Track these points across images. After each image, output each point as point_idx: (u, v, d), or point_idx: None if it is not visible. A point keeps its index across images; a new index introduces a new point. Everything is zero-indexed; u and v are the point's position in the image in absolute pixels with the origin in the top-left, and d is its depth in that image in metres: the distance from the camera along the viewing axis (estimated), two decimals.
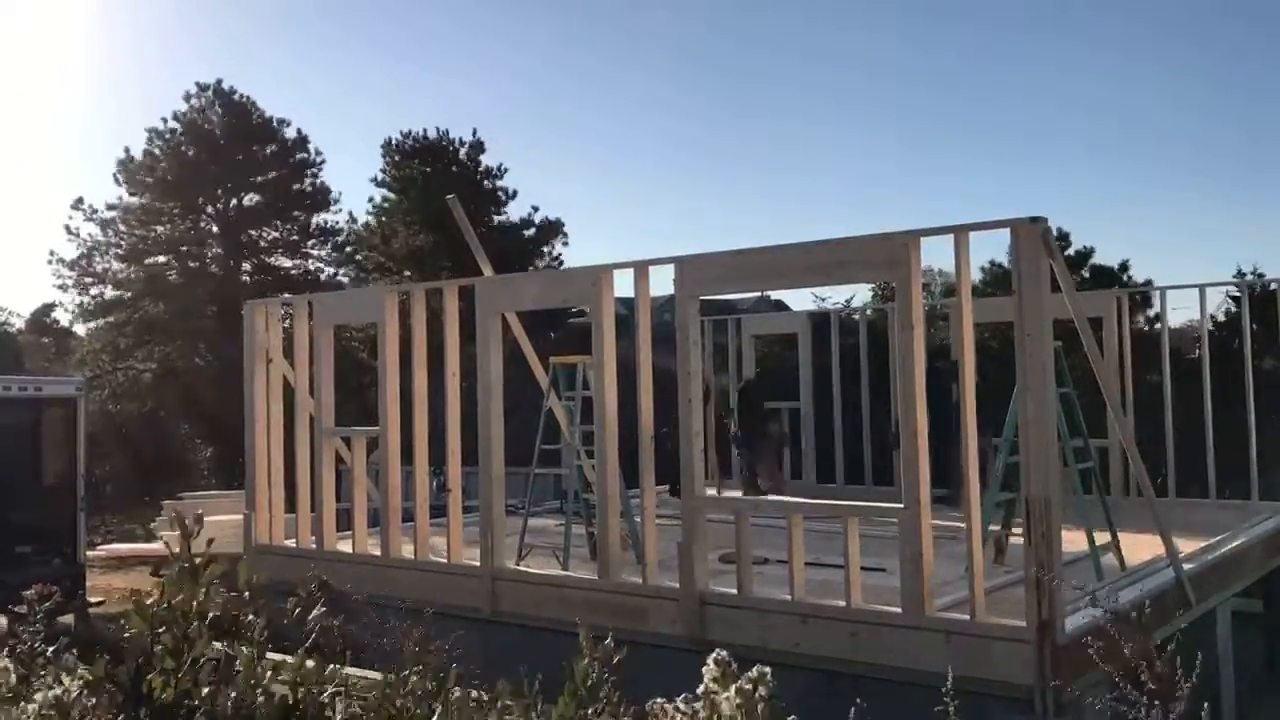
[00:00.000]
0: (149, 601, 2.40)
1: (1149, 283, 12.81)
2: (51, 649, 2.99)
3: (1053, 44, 59.17)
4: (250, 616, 2.75)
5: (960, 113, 66.51)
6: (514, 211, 30.98)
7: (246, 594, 2.79)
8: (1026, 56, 60.20)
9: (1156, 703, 2.20)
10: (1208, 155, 61.39)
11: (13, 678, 2.94)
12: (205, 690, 2.40)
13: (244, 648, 2.61)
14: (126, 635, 2.42)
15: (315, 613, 2.91)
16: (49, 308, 42.26)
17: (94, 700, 2.51)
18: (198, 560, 2.44)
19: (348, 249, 31.80)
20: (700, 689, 2.34)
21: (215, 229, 31.21)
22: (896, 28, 61.95)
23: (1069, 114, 65.76)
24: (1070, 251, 25.59)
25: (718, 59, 67.76)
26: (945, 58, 63.06)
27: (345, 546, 10.16)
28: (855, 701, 3.24)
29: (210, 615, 2.44)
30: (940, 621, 6.61)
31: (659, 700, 2.39)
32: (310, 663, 2.68)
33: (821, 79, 66.62)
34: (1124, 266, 26.02)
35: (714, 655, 2.33)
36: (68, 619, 12.18)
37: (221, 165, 30.33)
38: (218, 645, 2.50)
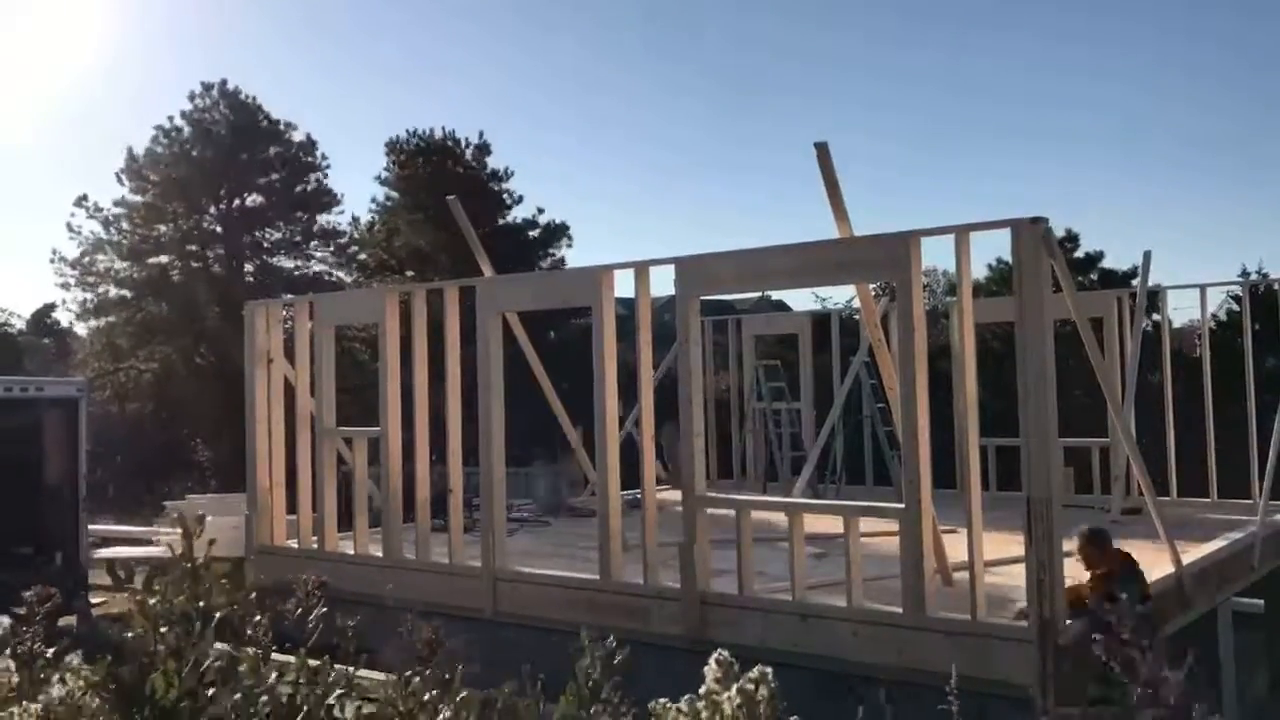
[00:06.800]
0: (152, 602, 2.41)
1: (1157, 286, 12.79)
2: (52, 650, 2.99)
3: (1053, 44, 59.14)
4: (256, 617, 2.76)
5: (966, 113, 66.45)
6: (519, 214, 31.00)
7: (252, 595, 2.80)
8: (1027, 56, 60.17)
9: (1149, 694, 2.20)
10: (1213, 155, 61.32)
11: (14, 678, 2.95)
12: (209, 691, 2.41)
13: (248, 648, 2.62)
14: (129, 636, 2.42)
15: (315, 613, 2.91)
16: (50, 308, 42.31)
17: (97, 701, 2.51)
18: (199, 561, 2.45)
19: (350, 250, 31.82)
20: (702, 689, 2.35)
21: (218, 229, 31.19)
22: (896, 29, 61.92)
23: (1075, 115, 65.70)
24: (1079, 254, 25.52)
25: (720, 63, 67.75)
26: (947, 58, 63.03)
27: (347, 547, 10.17)
28: (856, 701, 3.25)
29: (214, 616, 2.44)
30: (941, 621, 6.61)
31: (662, 700, 2.39)
32: (313, 663, 2.69)
33: (823, 82, 66.61)
34: (1132, 272, 26.00)
35: (715, 656, 2.33)
36: (69, 620, 12.17)
37: (225, 165, 30.33)
38: (221, 646, 2.50)
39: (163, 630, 2.35)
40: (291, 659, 2.67)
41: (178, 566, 2.48)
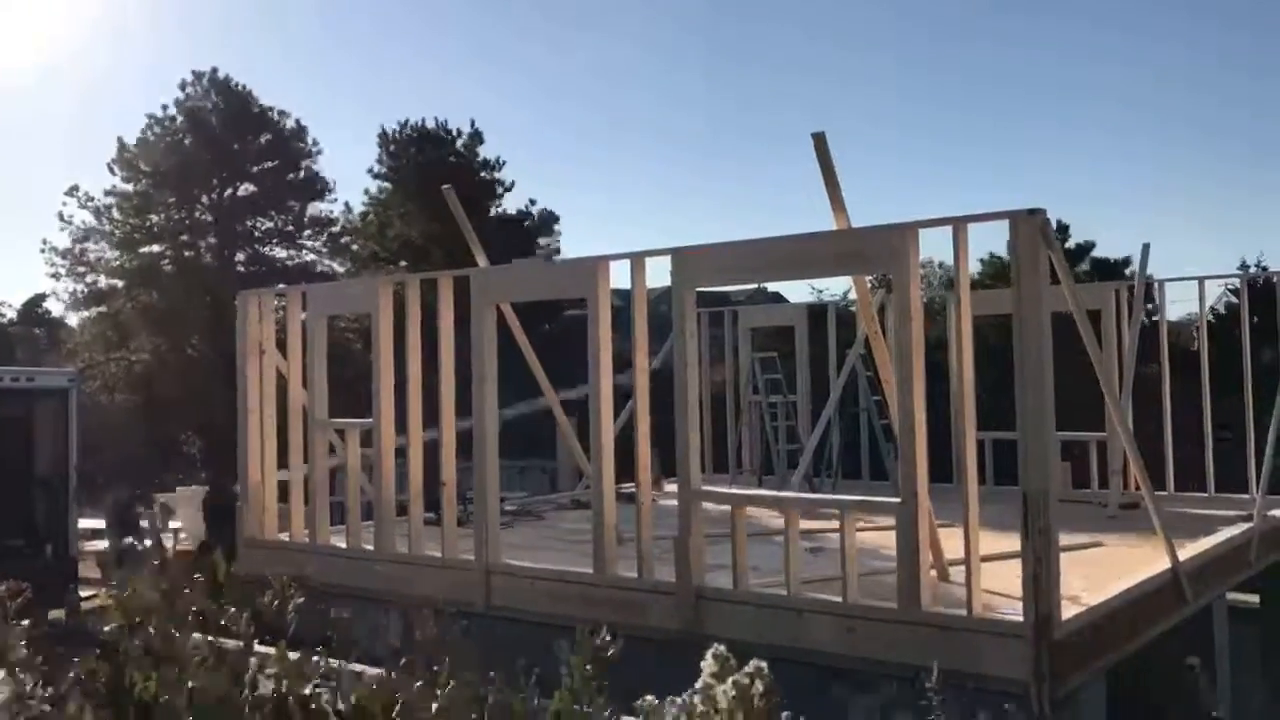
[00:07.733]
0: (128, 596, 2.34)
1: (1150, 277, 12.74)
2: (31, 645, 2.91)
3: (1051, 26, 59.02)
4: (241, 611, 2.70)
5: (960, 101, 66.36)
6: (511, 203, 30.95)
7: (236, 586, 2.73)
8: (1021, 43, 60.11)
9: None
10: (1212, 146, 61.26)
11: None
12: (189, 685, 2.35)
13: (229, 641, 2.56)
14: (106, 630, 2.36)
15: (293, 605, 2.84)
16: (41, 298, 42.19)
17: (81, 696, 2.45)
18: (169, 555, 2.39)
19: (343, 240, 31.76)
20: (698, 683, 2.30)
21: (209, 218, 31.11)
22: (893, 21, 61.82)
23: (1067, 102, 65.58)
24: (1070, 244, 25.60)
25: (716, 52, 67.63)
26: (942, 47, 62.94)
27: (339, 540, 10.10)
28: (850, 696, 3.20)
29: (192, 609, 2.37)
30: (937, 616, 6.57)
31: (649, 698, 2.35)
32: (294, 656, 2.62)
33: (820, 78, 66.52)
34: (1125, 261, 26.09)
35: (712, 650, 2.29)
36: (58, 614, 12.10)
37: (217, 154, 30.24)
38: (198, 637, 2.44)
39: (138, 624, 2.29)
40: (271, 650, 2.61)
41: (148, 560, 2.42)
